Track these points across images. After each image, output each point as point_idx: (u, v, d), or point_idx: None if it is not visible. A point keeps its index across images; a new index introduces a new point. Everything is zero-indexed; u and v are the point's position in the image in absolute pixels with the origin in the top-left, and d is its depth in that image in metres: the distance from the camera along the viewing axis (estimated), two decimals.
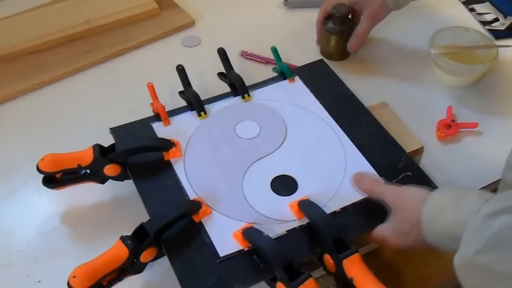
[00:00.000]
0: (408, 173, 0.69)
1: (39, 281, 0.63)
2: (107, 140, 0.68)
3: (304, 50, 0.95)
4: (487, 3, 1.06)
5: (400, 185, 0.61)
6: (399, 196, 0.60)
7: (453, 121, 0.81)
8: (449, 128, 0.81)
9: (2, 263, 0.65)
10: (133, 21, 0.98)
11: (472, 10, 1.05)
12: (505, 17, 1.03)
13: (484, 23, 1.02)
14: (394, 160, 0.70)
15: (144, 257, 0.58)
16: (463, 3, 1.07)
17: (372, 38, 0.99)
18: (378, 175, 0.68)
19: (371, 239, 0.62)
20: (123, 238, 0.57)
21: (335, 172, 0.69)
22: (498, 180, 0.75)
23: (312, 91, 0.80)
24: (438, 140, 0.80)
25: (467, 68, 0.87)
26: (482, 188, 0.74)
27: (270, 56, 0.92)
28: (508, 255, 0.46)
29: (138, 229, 0.58)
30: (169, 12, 1.01)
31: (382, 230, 0.61)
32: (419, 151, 0.75)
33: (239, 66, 0.80)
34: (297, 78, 0.82)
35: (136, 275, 0.60)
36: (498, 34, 0.98)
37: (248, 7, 1.07)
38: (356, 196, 0.65)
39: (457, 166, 0.77)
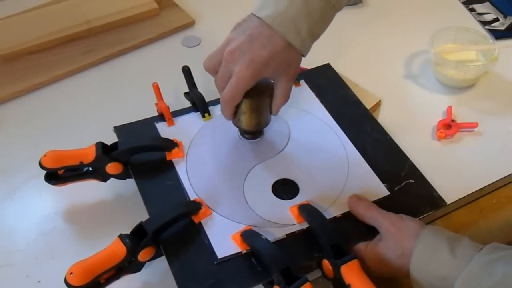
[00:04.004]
0: (411, 180, 0.69)
1: (39, 281, 0.63)
2: (107, 140, 0.68)
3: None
4: (487, 3, 1.06)
5: (393, 214, 0.61)
6: (393, 225, 0.59)
7: (453, 121, 0.81)
8: (449, 128, 0.81)
9: (2, 263, 0.65)
10: (133, 21, 0.98)
11: (472, 10, 1.05)
12: (505, 17, 1.02)
13: (484, 23, 1.01)
14: (397, 167, 0.70)
15: (142, 256, 0.58)
16: (463, 3, 1.07)
17: (372, 38, 0.99)
18: (382, 186, 0.67)
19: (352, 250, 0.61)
20: (121, 236, 0.57)
21: (337, 178, 0.69)
22: (498, 180, 0.75)
23: (317, 96, 0.80)
24: (438, 140, 0.80)
25: (467, 68, 0.87)
26: (482, 188, 0.74)
27: None
28: None
29: (136, 228, 0.58)
30: (169, 12, 1.01)
31: (366, 251, 0.60)
32: (378, 105, 0.81)
33: None
34: (302, 82, 0.82)
35: (134, 275, 0.60)
36: (498, 34, 0.98)
37: (249, 7, 1.07)
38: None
39: (457, 166, 0.77)
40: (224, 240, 0.61)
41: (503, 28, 1.00)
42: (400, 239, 0.57)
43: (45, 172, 0.66)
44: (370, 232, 0.63)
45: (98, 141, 0.67)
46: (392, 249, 0.58)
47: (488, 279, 0.48)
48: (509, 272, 0.47)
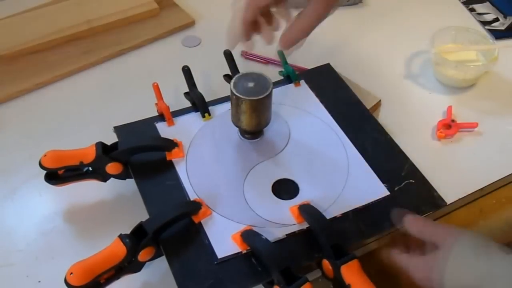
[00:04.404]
0: (411, 180, 0.69)
1: (39, 281, 0.63)
2: (107, 140, 0.68)
3: (306, 51, 0.95)
4: (487, 3, 1.06)
5: (448, 225, 0.59)
6: (450, 235, 0.55)
7: (453, 121, 0.81)
8: (449, 128, 0.81)
9: (2, 263, 0.65)
10: (133, 21, 0.98)
11: (472, 10, 1.05)
12: (505, 17, 1.02)
13: (484, 23, 1.01)
14: (397, 167, 0.70)
15: (142, 256, 0.58)
16: (463, 3, 1.07)
17: (372, 38, 0.99)
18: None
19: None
20: (121, 236, 0.57)
21: (337, 178, 0.68)
22: (498, 180, 0.75)
23: (317, 96, 0.80)
24: (438, 140, 0.80)
25: (467, 68, 0.87)
26: (482, 188, 0.74)
27: (271, 56, 0.93)
28: None
29: (136, 228, 0.58)
30: (169, 12, 1.01)
31: (419, 263, 0.56)
32: (378, 105, 0.81)
33: (240, 66, 0.80)
34: (302, 82, 0.82)
35: (134, 275, 0.60)
36: (498, 34, 0.98)
37: None
38: (357, 202, 0.65)
39: (457, 166, 0.77)
40: (224, 240, 0.61)
41: (503, 28, 1.00)
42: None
43: (45, 172, 0.66)
44: (370, 232, 0.63)
45: (98, 141, 0.67)
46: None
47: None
48: None
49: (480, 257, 0.51)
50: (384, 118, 0.82)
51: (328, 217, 0.62)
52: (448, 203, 0.68)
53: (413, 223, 0.60)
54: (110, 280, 0.57)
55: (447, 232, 0.56)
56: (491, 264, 0.51)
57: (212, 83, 0.86)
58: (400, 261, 0.58)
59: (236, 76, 0.67)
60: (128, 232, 0.58)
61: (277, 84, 0.81)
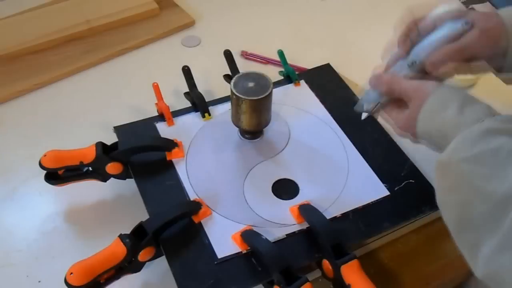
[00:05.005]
0: (411, 180, 0.69)
1: (39, 281, 0.63)
2: (107, 140, 0.68)
3: (306, 51, 0.95)
4: (487, 3, 1.06)
5: (418, 80, 0.59)
6: (420, 90, 0.57)
7: None
8: None
9: (2, 263, 0.65)
10: (133, 21, 0.99)
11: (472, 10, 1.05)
12: None
13: None
14: (397, 167, 0.70)
15: (142, 256, 0.58)
16: (463, 3, 1.07)
17: (372, 37, 0.99)
18: None
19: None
20: (121, 236, 0.57)
21: (337, 178, 0.69)
22: None
23: (317, 96, 0.80)
24: None
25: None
26: None
27: (270, 56, 0.93)
28: (494, 174, 0.46)
29: (137, 228, 0.58)
30: (169, 12, 1.02)
31: (397, 118, 0.60)
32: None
33: (239, 66, 0.80)
34: (302, 82, 0.82)
35: (134, 275, 0.60)
36: None
37: (248, 7, 1.07)
38: (357, 202, 0.65)
39: None
40: (224, 240, 0.61)
41: None
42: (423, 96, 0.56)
43: (45, 172, 0.66)
44: (370, 232, 0.63)
45: (98, 141, 0.67)
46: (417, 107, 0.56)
47: (482, 145, 0.48)
48: (506, 145, 0.47)
49: (449, 108, 0.53)
50: None
51: (328, 217, 0.62)
52: None
53: (379, 81, 0.62)
54: (110, 280, 0.57)
55: (416, 88, 0.58)
56: (460, 113, 0.52)
57: (212, 83, 0.86)
58: (390, 115, 0.62)
59: (236, 76, 0.67)
60: (128, 232, 0.58)
61: (277, 84, 0.81)
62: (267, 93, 0.65)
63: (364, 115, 0.65)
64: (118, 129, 0.74)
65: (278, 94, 0.78)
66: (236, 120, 0.69)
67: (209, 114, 0.76)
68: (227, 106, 0.77)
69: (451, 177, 0.49)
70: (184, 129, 0.74)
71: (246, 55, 0.93)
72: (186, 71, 0.79)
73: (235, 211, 0.64)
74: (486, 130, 0.49)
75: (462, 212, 0.48)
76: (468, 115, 0.52)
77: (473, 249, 0.46)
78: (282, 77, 0.84)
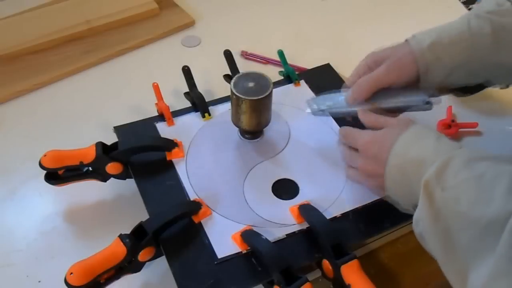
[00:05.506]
0: None
1: (39, 281, 0.63)
2: (107, 140, 0.68)
3: (306, 51, 0.95)
4: None
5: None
6: (400, 119, 0.61)
7: (453, 121, 0.81)
8: (449, 128, 0.81)
9: (2, 263, 0.65)
10: (133, 21, 0.99)
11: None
12: None
13: None
14: None
15: (142, 256, 0.58)
16: (463, 3, 1.07)
17: (372, 38, 0.99)
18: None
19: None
20: (121, 236, 0.57)
21: (337, 178, 0.68)
22: None
23: (317, 96, 0.80)
24: None
25: None
26: None
27: (271, 56, 0.93)
28: (479, 199, 0.46)
29: (136, 228, 0.58)
30: (169, 12, 1.02)
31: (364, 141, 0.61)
32: None
33: (239, 66, 0.80)
34: (302, 82, 0.82)
35: (134, 275, 0.60)
36: None
37: (248, 7, 1.07)
38: (357, 202, 0.65)
39: None
40: (224, 240, 0.61)
41: None
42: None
43: (45, 172, 0.66)
44: (370, 232, 0.63)
45: (98, 141, 0.67)
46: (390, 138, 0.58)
47: (466, 172, 0.48)
48: (489, 172, 0.47)
49: (429, 138, 0.54)
50: None
51: (328, 217, 0.62)
52: None
53: (366, 116, 0.64)
54: (110, 280, 0.57)
55: (399, 119, 0.61)
56: (438, 143, 0.53)
57: (212, 83, 0.86)
58: (353, 137, 0.62)
59: (236, 76, 0.67)
60: (128, 232, 0.58)
61: (277, 84, 0.81)
62: (267, 93, 0.65)
63: (313, 112, 0.70)
64: (118, 129, 0.74)
65: (278, 94, 0.78)
66: (236, 120, 0.69)
67: (209, 114, 0.76)
68: (227, 106, 0.77)
69: (435, 206, 0.49)
70: (184, 129, 0.74)
71: (246, 55, 0.93)
72: (186, 71, 0.79)
73: (235, 211, 0.64)
74: (468, 159, 0.50)
75: (449, 240, 0.48)
76: (444, 144, 0.54)
77: (462, 279, 0.46)
78: (282, 77, 0.84)
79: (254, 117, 0.67)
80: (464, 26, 0.63)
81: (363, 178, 0.61)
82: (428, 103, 0.64)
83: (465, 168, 0.49)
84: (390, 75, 0.65)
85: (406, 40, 0.66)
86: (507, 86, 0.74)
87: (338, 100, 0.69)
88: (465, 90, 0.68)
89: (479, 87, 0.68)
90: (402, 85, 0.65)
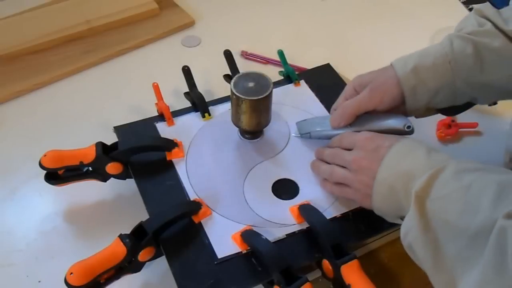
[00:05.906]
0: None
1: (39, 281, 0.63)
2: (107, 140, 0.68)
3: (306, 51, 0.95)
4: (487, 3, 1.05)
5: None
6: (389, 138, 0.61)
7: (453, 121, 0.81)
8: (449, 128, 0.81)
9: (2, 263, 0.65)
10: (133, 21, 0.99)
11: (472, 10, 1.05)
12: None
13: None
14: None
15: (142, 256, 0.58)
16: (463, 3, 1.07)
17: (372, 38, 0.99)
18: None
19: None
20: (121, 236, 0.57)
21: None
22: None
23: (317, 96, 0.80)
24: (438, 140, 0.80)
25: None
26: None
27: (271, 56, 0.93)
28: (466, 210, 0.47)
29: (136, 228, 0.58)
30: (169, 12, 1.02)
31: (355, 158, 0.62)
32: None
33: (239, 66, 0.80)
34: (302, 82, 0.82)
35: (134, 275, 0.60)
36: None
37: (248, 7, 1.07)
38: (357, 202, 0.65)
39: None
40: (224, 240, 0.61)
41: None
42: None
43: (45, 172, 0.66)
44: (370, 232, 0.63)
45: (98, 141, 0.67)
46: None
47: (454, 183, 0.49)
48: (477, 182, 0.48)
49: (418, 151, 0.56)
50: None
51: (328, 217, 0.62)
52: None
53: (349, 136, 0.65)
54: (110, 280, 0.57)
55: (385, 137, 0.61)
56: (428, 155, 0.55)
57: (212, 83, 0.86)
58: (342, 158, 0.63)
59: (236, 76, 0.67)
60: (128, 232, 0.58)
61: (277, 84, 0.81)
62: (267, 93, 0.65)
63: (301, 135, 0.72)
64: (118, 129, 0.74)
65: (278, 94, 0.78)
66: (236, 120, 0.69)
67: (209, 114, 0.76)
68: (227, 106, 0.77)
69: (425, 217, 0.49)
70: (184, 129, 0.74)
71: (246, 55, 0.93)
72: (186, 71, 0.79)
73: (235, 211, 0.64)
74: (456, 170, 0.50)
75: (438, 251, 0.48)
76: (435, 158, 0.54)
77: None
78: (282, 77, 0.84)
79: (254, 117, 0.67)
80: (447, 47, 0.63)
81: (341, 188, 0.63)
82: (409, 127, 0.64)
83: (453, 179, 0.50)
84: (372, 99, 0.65)
85: (391, 64, 0.66)
86: (495, 103, 0.75)
87: (325, 124, 0.70)
88: (453, 109, 0.68)
89: (467, 106, 0.68)
90: (386, 108, 0.66)
